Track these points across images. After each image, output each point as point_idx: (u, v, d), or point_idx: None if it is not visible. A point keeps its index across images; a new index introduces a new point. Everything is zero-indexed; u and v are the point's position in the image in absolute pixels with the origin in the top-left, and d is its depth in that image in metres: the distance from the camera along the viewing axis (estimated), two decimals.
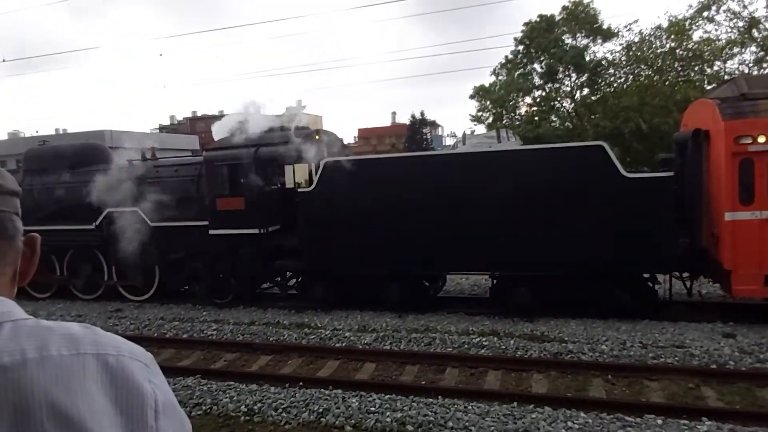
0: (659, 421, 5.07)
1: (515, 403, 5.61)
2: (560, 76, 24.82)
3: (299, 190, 10.19)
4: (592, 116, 23.68)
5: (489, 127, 27.80)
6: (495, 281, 9.13)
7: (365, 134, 69.40)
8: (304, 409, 5.75)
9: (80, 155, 12.14)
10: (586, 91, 24.85)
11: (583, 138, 20.83)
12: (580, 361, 6.75)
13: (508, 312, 8.86)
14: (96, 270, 11.69)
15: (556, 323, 8.40)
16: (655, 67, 23.23)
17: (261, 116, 11.01)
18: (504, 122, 26.23)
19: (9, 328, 0.75)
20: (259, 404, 5.93)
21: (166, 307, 10.87)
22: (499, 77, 26.82)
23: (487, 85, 27.30)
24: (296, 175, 12.57)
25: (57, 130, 37.60)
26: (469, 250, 8.79)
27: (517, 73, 25.85)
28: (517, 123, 25.83)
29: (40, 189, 11.86)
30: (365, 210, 9.27)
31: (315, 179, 9.78)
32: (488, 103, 27.00)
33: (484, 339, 7.71)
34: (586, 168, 8.26)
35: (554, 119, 25.33)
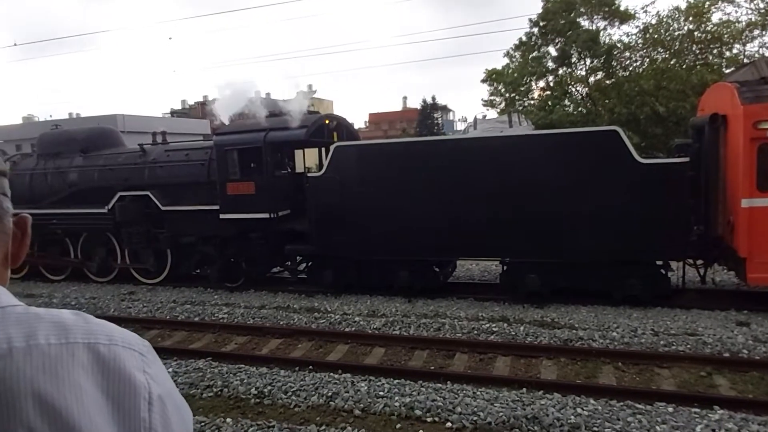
0: (670, 409, 5.03)
1: (524, 389, 5.60)
2: (574, 59, 24.36)
3: (309, 174, 10.19)
4: (607, 101, 23.28)
5: (501, 111, 27.46)
6: (505, 267, 9.08)
7: (376, 119, 69.10)
8: (313, 392, 5.79)
9: (92, 139, 12.23)
10: (600, 75, 24.39)
11: (597, 123, 20.52)
12: (590, 347, 6.71)
13: (518, 298, 8.83)
14: (109, 253, 11.84)
15: (567, 310, 8.36)
16: (672, 50, 22.71)
17: (270, 100, 10.98)
18: (516, 107, 25.88)
19: None
20: (269, 387, 5.98)
21: (178, 291, 10.99)
22: (513, 60, 26.41)
23: (499, 68, 26.91)
24: (306, 159, 12.59)
25: (70, 114, 37.94)
26: (480, 235, 8.74)
27: (531, 55, 25.42)
28: (530, 108, 25.47)
29: (53, 173, 12.00)
30: (375, 195, 9.23)
31: (325, 164, 9.75)
32: (500, 86, 26.63)
33: (493, 325, 7.70)
34: (599, 153, 8.13)
35: (567, 104, 24.92)
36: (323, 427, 5.01)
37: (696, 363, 6.15)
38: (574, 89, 25.23)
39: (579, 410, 5.06)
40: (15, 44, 28.10)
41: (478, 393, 5.53)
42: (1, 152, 13.65)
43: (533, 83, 25.73)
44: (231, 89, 10.66)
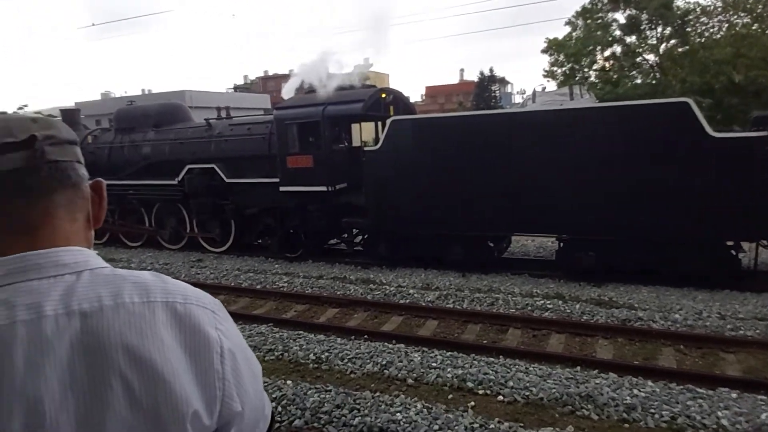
0: (734, 395, 4.87)
1: (578, 368, 5.57)
2: (644, 27, 22.85)
3: (365, 148, 10.30)
4: (679, 69, 21.78)
5: (561, 83, 26.38)
6: (562, 244, 8.92)
7: (432, 92, 68.11)
8: (368, 360, 5.97)
9: (163, 114, 12.83)
10: (672, 43, 22.78)
11: (667, 96, 19.35)
12: (650, 329, 6.54)
13: (574, 276, 8.67)
14: (179, 222, 12.54)
15: (626, 289, 8.14)
16: (754, 14, 20.85)
17: (329, 74, 11.11)
18: (577, 78, 24.75)
19: (87, 276, 0.82)
20: (327, 353, 6.21)
21: (242, 259, 11.51)
22: (576, 28, 25.09)
23: (560, 37, 25.69)
24: (363, 133, 12.70)
25: (143, 90, 39.97)
26: (536, 211, 8.60)
27: (596, 23, 24.07)
28: (594, 80, 24.28)
29: (129, 146, 12.75)
30: (430, 169, 9.25)
31: (381, 138, 9.82)
32: (562, 57, 25.47)
33: (548, 302, 7.63)
34: (668, 127, 7.73)
35: (635, 74, 23.53)
36: (377, 394, 5.16)
37: (765, 349, 5.88)
38: (643, 59, 23.78)
39: (635, 391, 4.99)
40: (93, 24, 29.84)
41: (531, 369, 5.55)
42: (84, 126, 14.61)
43: (598, 53, 24.45)
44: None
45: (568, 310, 7.30)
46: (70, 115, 12.39)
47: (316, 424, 4.72)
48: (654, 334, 6.39)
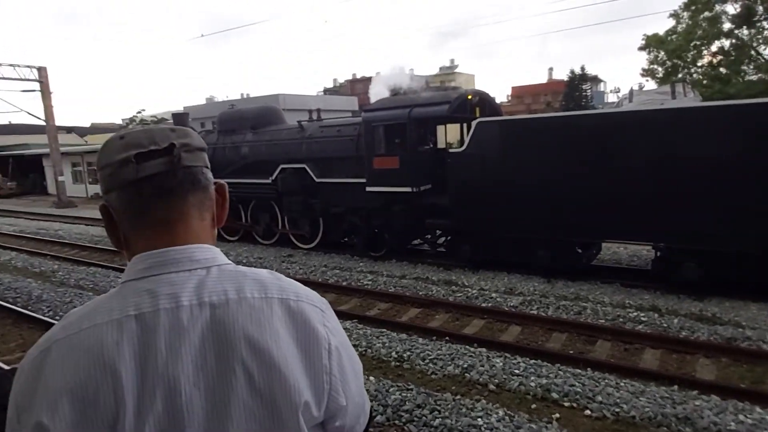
0: None
1: (675, 387, 5.23)
2: (759, 18, 20.72)
3: (450, 150, 10.29)
4: None
5: (661, 81, 24.66)
6: (658, 253, 8.38)
7: (519, 93, 66.24)
8: (449, 362, 5.98)
9: (259, 117, 13.60)
10: None
11: None
12: (759, 349, 6.00)
13: (672, 288, 8.12)
14: (272, 219, 13.25)
15: (732, 305, 7.50)
16: None
17: (414, 76, 11.22)
18: (680, 76, 22.95)
19: (215, 271, 0.89)
20: (408, 353, 6.30)
21: (329, 256, 11.92)
22: (681, 21, 23.25)
23: (661, 33, 23.93)
24: (448, 135, 12.70)
25: (242, 94, 42.77)
26: (630, 217, 8.13)
27: (702, 15, 22.17)
28: (699, 77, 22.40)
29: (230, 147, 13.67)
30: (516, 171, 9.07)
31: (466, 140, 9.78)
32: (662, 54, 23.71)
33: (642, 314, 7.22)
34: None
35: (747, 70, 21.38)
36: (458, 397, 5.16)
37: None
38: (757, 54, 21.60)
39: (741, 417, 4.61)
40: (202, 35, 32.84)
41: (622, 384, 5.29)
42: (192, 129, 15.91)
43: (703, 48, 22.54)
44: None
45: (665, 325, 6.87)
46: (180, 119, 13.43)
47: (397, 422, 4.83)
48: (764, 356, 5.85)
